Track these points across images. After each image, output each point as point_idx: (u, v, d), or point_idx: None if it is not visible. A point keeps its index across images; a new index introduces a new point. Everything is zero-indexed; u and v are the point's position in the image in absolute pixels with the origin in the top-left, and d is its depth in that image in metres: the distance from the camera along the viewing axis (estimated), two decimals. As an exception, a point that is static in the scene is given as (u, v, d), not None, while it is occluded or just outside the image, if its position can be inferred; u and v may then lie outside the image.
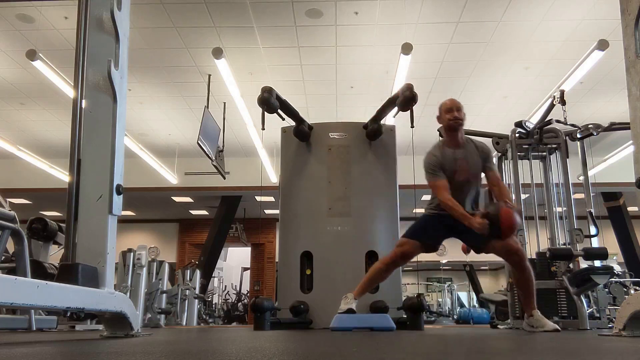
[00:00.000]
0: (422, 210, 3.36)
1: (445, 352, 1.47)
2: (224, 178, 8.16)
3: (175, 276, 9.08)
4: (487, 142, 4.99)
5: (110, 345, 1.69)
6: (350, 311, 3.22)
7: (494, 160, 3.43)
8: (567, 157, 4.44)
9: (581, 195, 4.46)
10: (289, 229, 4.39)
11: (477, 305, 14.01)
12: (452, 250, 14.15)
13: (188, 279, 8.92)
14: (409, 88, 3.95)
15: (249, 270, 15.00)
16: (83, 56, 2.28)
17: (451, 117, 3.16)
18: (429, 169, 3.16)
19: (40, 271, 3.85)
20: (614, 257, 10.41)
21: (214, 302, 13.75)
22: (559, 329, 3.05)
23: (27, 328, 3.27)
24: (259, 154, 9.20)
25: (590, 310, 4.07)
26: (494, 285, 17.65)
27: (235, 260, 16.80)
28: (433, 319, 12.78)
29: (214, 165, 7.40)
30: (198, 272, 9.23)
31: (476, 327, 5.47)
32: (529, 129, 4.50)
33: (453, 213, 3.03)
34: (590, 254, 4.07)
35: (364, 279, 3.37)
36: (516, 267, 3.12)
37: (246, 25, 6.18)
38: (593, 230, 4.24)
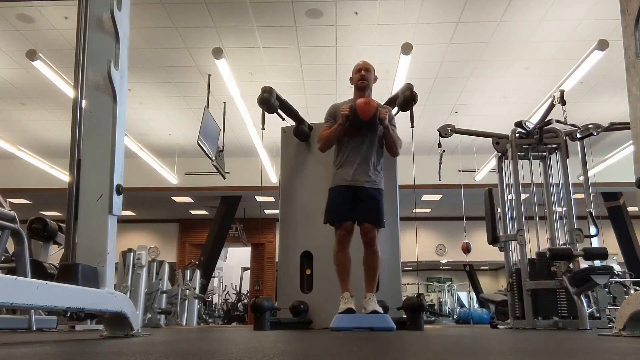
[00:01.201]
0: (422, 210, 3.37)
1: (445, 352, 1.47)
2: (224, 178, 8.16)
3: (175, 276, 9.08)
4: (487, 142, 5.02)
5: (110, 345, 1.69)
6: (349, 310, 3.22)
7: (395, 122, 3.67)
8: (567, 157, 4.44)
9: (581, 195, 4.46)
10: (289, 229, 4.38)
11: (477, 305, 14.02)
12: (452, 250, 14.17)
13: (188, 279, 8.92)
14: (409, 88, 3.93)
15: (249, 270, 15.01)
16: (83, 56, 2.27)
17: (359, 77, 3.48)
18: (325, 117, 3.52)
19: (40, 271, 3.85)
20: (614, 257, 10.41)
21: (214, 302, 13.75)
22: (381, 311, 3.20)
23: (27, 328, 3.27)
24: (259, 154, 9.20)
25: (590, 310, 4.07)
26: (494, 285, 17.64)
27: (235, 260, 16.80)
28: (433, 319, 12.79)
29: (214, 165, 7.39)
30: (198, 272, 9.23)
31: (476, 327, 5.47)
32: (529, 129, 4.50)
33: (330, 136, 3.36)
34: (590, 254, 4.07)
35: (339, 278, 3.40)
36: (365, 247, 3.34)
37: (246, 25, 6.19)
38: (593, 230, 4.24)
